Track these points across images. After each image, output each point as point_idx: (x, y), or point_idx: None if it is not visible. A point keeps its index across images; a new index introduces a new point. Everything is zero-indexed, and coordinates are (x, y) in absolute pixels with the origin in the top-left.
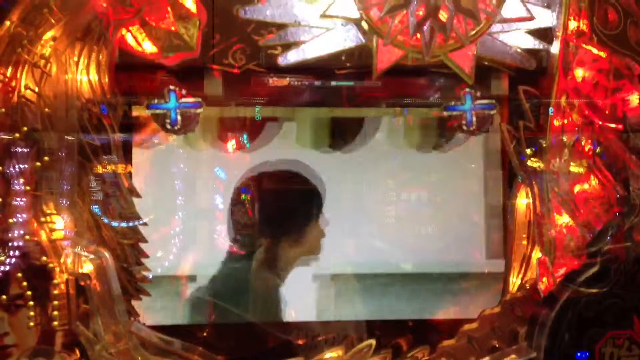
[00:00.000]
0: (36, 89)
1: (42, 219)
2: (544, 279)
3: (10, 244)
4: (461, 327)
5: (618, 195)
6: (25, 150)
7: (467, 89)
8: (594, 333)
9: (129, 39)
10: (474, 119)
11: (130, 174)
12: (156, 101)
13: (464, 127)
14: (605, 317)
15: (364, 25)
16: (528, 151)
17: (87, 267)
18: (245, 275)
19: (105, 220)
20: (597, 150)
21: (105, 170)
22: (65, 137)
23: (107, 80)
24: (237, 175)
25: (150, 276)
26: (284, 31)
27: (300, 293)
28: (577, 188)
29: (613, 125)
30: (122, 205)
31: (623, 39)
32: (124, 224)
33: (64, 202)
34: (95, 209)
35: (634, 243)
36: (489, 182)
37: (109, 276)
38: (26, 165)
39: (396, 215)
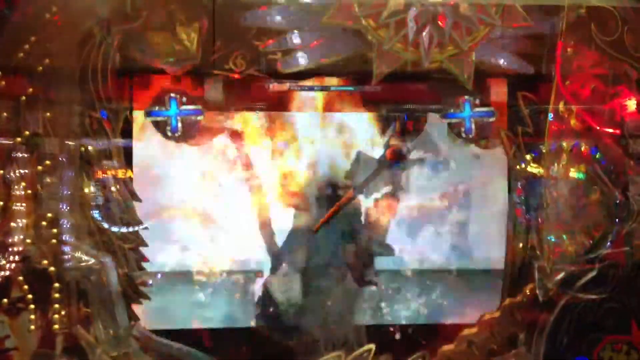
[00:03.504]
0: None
1: (43, 223)
2: (543, 284)
3: (11, 248)
4: (461, 332)
5: (617, 201)
6: (26, 155)
7: (466, 97)
8: (592, 338)
9: (130, 44)
10: (473, 126)
11: (130, 178)
12: (157, 108)
13: (463, 135)
14: (604, 322)
15: (364, 31)
16: (528, 157)
17: (88, 271)
18: None
19: (106, 225)
20: (597, 156)
21: (105, 175)
22: (66, 142)
23: (107, 85)
24: None
25: (150, 281)
26: (285, 37)
27: None
28: (576, 192)
29: (611, 130)
30: (123, 210)
31: (621, 45)
32: (124, 229)
33: (65, 206)
34: (96, 213)
35: (632, 248)
36: None
37: (110, 280)
38: (27, 170)
39: None
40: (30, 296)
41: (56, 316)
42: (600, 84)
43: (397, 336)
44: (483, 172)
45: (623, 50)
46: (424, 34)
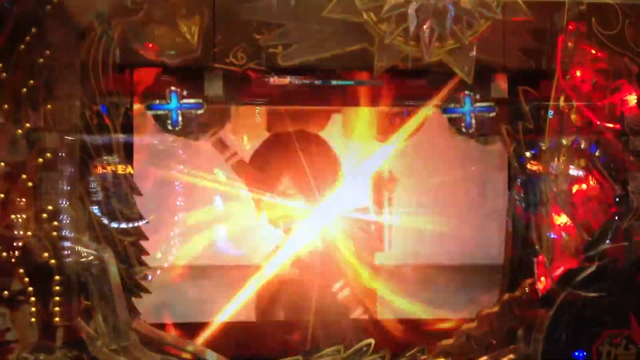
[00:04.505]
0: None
1: (44, 216)
2: (542, 279)
3: (12, 241)
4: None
5: (617, 197)
6: (27, 148)
7: (467, 92)
8: (591, 332)
9: (131, 38)
10: (473, 121)
11: (131, 173)
12: (157, 102)
13: (463, 130)
14: (603, 317)
15: (365, 24)
16: (527, 153)
17: (89, 265)
18: None
19: (106, 219)
20: (597, 154)
21: (106, 169)
22: (66, 137)
23: (108, 79)
24: None
25: (150, 277)
26: (285, 30)
27: None
28: (575, 189)
29: (611, 125)
30: (123, 204)
31: (621, 40)
32: (124, 223)
33: (66, 200)
34: (96, 207)
35: (632, 243)
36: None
37: (110, 273)
38: (28, 164)
39: None
40: (31, 289)
41: (57, 309)
42: (601, 78)
43: None
44: (483, 167)
45: (624, 45)
46: (424, 27)
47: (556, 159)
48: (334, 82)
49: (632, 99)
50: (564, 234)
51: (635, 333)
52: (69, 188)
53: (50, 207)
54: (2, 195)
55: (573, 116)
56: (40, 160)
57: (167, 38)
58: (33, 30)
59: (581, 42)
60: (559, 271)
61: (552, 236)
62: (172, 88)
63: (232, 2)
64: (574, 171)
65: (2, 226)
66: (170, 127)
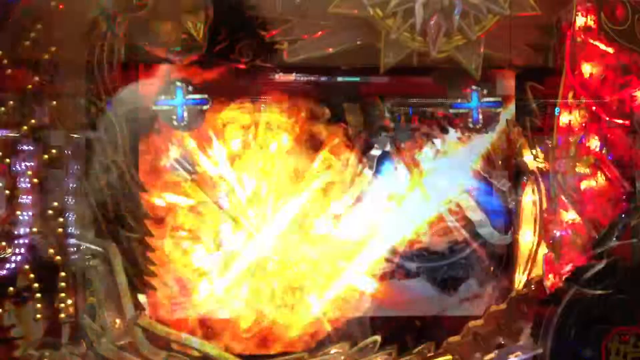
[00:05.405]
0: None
1: (50, 213)
2: (550, 276)
3: (18, 238)
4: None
5: (625, 194)
6: (32, 146)
7: (474, 87)
8: (600, 329)
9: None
10: (480, 116)
11: (137, 169)
12: (163, 97)
13: (470, 125)
14: (612, 314)
15: (371, 20)
16: (535, 150)
17: (94, 261)
18: None
19: (112, 216)
20: (604, 151)
21: (111, 166)
22: (72, 132)
23: (113, 75)
24: None
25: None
26: (290, 26)
27: None
28: (583, 185)
29: (620, 122)
30: (129, 201)
31: (631, 35)
32: (130, 220)
33: (71, 197)
34: (102, 204)
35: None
36: None
37: (116, 270)
38: (33, 162)
39: None
40: (36, 285)
41: (62, 305)
42: (609, 73)
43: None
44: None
45: (633, 40)
46: (431, 23)
47: (564, 156)
48: (339, 79)
49: None
50: (571, 231)
51: None
52: (74, 184)
53: (55, 204)
54: (8, 192)
55: (581, 112)
56: (46, 157)
57: (172, 34)
58: (38, 26)
59: (590, 38)
60: (567, 268)
61: (560, 233)
62: (178, 83)
63: None
64: (581, 168)
65: (8, 223)
66: (175, 123)
